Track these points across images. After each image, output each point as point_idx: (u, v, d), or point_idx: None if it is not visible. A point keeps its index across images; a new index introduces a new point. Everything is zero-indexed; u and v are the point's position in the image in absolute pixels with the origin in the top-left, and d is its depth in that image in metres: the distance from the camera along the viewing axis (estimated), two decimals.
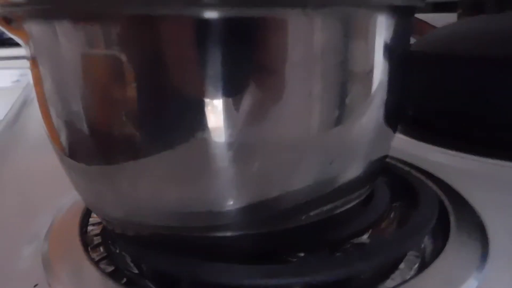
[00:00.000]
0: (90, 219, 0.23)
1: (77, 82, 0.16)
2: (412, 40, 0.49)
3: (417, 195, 0.21)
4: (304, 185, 0.17)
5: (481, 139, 0.30)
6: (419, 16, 0.55)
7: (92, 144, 0.17)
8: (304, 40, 0.15)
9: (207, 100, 0.14)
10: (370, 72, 0.16)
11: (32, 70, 0.17)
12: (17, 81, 1.68)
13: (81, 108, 0.16)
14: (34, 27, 0.16)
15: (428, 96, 0.34)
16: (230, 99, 0.14)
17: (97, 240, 0.21)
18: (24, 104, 0.60)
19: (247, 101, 0.15)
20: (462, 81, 0.31)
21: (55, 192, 0.26)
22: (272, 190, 0.17)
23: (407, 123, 0.35)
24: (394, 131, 0.21)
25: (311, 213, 0.18)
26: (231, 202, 0.17)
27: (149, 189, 0.17)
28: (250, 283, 0.16)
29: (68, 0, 0.14)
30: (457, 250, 0.19)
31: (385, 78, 0.16)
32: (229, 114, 0.15)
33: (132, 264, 0.20)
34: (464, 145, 0.30)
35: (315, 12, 0.14)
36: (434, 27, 0.53)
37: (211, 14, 0.13)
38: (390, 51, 0.16)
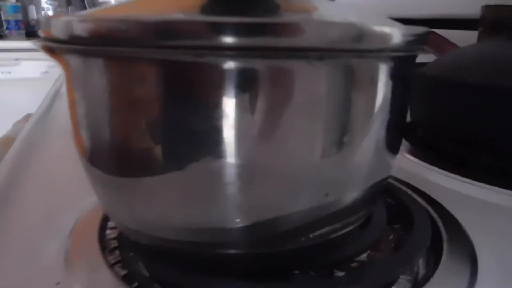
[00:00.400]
0: (109, 223, 0.25)
1: (104, 108, 0.18)
2: (431, 57, 0.50)
3: (413, 220, 0.23)
4: (304, 209, 0.18)
5: (484, 165, 0.31)
6: (439, 32, 0.55)
7: (112, 158, 0.19)
8: (309, 85, 0.16)
9: (218, 132, 0.16)
10: (370, 114, 0.17)
11: (67, 92, 0.19)
12: (46, 72, 1.73)
13: (106, 128, 0.18)
14: (71, 59, 0.18)
15: (436, 119, 0.35)
16: (238, 132, 0.16)
17: (113, 243, 0.23)
18: (55, 97, 0.63)
19: (253, 135, 0.16)
20: (470, 108, 0.32)
21: (81, 189, 0.28)
22: (273, 213, 0.18)
23: (414, 143, 0.36)
24: (395, 154, 0.22)
25: (311, 235, 0.19)
26: (235, 222, 0.18)
27: (158, 205, 0.19)
28: None
29: (102, 43, 0.16)
30: (447, 276, 0.20)
31: (385, 118, 0.18)
32: (237, 144, 0.16)
33: (145, 269, 0.21)
34: (467, 170, 0.31)
35: (318, 63, 0.15)
36: (454, 44, 0.54)
37: (229, 64, 0.15)
38: (390, 94, 0.17)
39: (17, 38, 1.68)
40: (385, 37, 0.15)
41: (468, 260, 0.21)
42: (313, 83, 0.16)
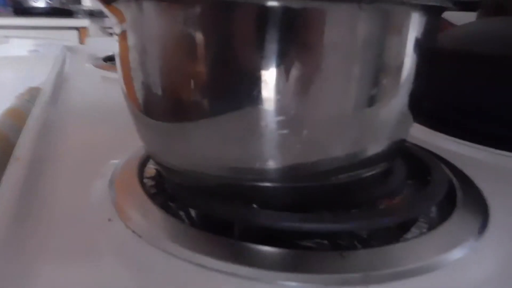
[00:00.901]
0: (147, 167, 0.27)
1: (157, 53, 0.19)
2: None
3: (430, 171, 0.25)
4: (337, 155, 0.20)
5: (490, 132, 0.33)
6: None
7: (166, 104, 0.21)
8: (351, 30, 0.18)
9: (263, 74, 0.18)
10: (402, 62, 0.19)
11: (120, 42, 0.20)
12: (35, 50, 1.69)
13: (159, 74, 0.20)
14: (126, 7, 0.19)
15: (444, 90, 0.37)
16: (281, 76, 0.18)
17: (152, 183, 0.25)
18: (60, 75, 0.63)
19: (295, 78, 0.18)
20: (476, 78, 0.34)
21: (117, 142, 0.30)
22: (310, 155, 0.20)
23: (423, 114, 0.38)
24: (414, 118, 0.24)
25: (340, 176, 0.21)
26: (275, 161, 0.20)
27: (209, 146, 0.21)
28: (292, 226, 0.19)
29: None
30: (461, 217, 0.22)
31: (413, 70, 0.20)
32: (280, 87, 0.18)
33: (182, 215, 0.23)
34: (474, 136, 0.33)
35: (368, 7, 0.17)
36: (453, 24, 0.56)
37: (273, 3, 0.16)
38: (420, 45, 0.19)
39: (5, 15, 1.65)
40: None
41: (480, 207, 0.23)
42: (359, 27, 0.17)
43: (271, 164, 0.20)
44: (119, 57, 0.22)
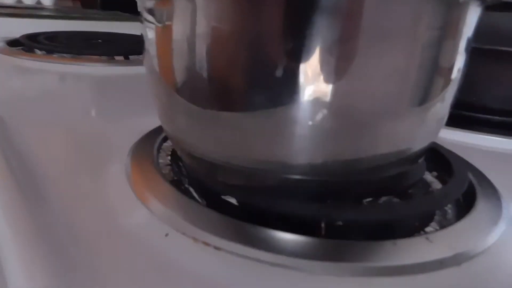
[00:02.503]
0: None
1: (201, 44, 0.19)
2: None
3: (451, 166, 0.25)
4: (380, 152, 0.20)
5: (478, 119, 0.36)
6: None
7: (210, 91, 0.20)
8: (411, 22, 0.18)
9: (302, 69, 0.17)
10: (454, 61, 0.19)
11: (159, 33, 0.19)
12: None
13: (203, 63, 0.19)
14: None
15: None
16: (324, 70, 0.17)
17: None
18: None
19: (335, 71, 0.18)
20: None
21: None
22: (350, 152, 0.20)
23: None
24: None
25: (379, 173, 0.21)
26: (312, 157, 0.20)
27: (245, 138, 0.20)
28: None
29: None
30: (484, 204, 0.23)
31: (461, 69, 0.20)
32: (320, 82, 0.18)
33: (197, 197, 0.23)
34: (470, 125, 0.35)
35: None
36: None
37: None
38: (468, 44, 0.19)
39: None
40: None
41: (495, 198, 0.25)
42: (418, 18, 0.17)
43: (306, 158, 0.20)
44: (155, 42, 0.21)
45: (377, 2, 0.17)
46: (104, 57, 0.60)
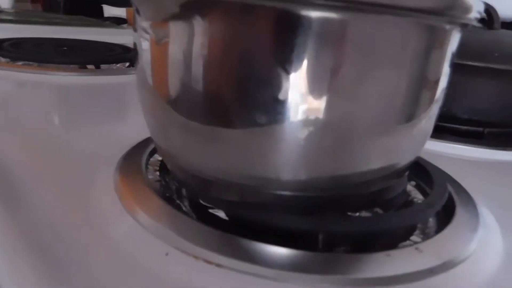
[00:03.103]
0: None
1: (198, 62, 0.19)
2: None
3: (430, 175, 0.27)
4: (367, 168, 0.21)
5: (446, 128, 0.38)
6: None
7: (205, 110, 0.20)
8: (397, 43, 0.19)
9: (292, 85, 0.18)
10: (439, 77, 0.20)
11: (155, 47, 0.20)
12: None
13: (199, 80, 0.20)
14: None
15: None
16: (313, 88, 0.18)
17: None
18: None
19: (327, 89, 0.18)
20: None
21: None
22: (334, 171, 0.21)
23: None
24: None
25: (365, 188, 0.22)
26: (301, 172, 0.20)
27: (239, 154, 0.20)
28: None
29: None
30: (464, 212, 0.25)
31: (445, 85, 0.21)
32: (311, 101, 0.18)
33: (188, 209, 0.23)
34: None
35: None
36: None
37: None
38: (451, 61, 0.21)
39: None
40: (469, 8, 0.19)
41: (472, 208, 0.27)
42: (404, 40, 0.18)
43: (298, 175, 0.20)
44: (150, 56, 0.21)
45: (367, 24, 0.18)
46: (74, 66, 0.58)
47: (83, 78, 0.55)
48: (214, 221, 0.22)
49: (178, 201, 0.24)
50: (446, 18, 0.18)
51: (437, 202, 0.23)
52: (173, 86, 0.21)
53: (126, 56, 0.65)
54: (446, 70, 0.21)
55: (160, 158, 0.30)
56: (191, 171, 0.23)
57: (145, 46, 0.22)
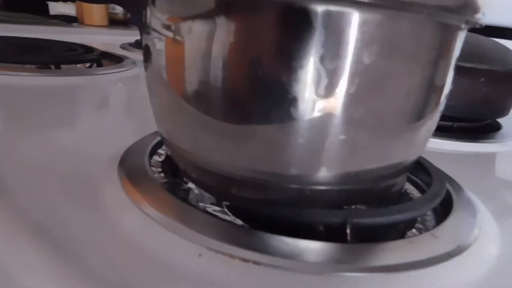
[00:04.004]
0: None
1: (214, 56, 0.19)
2: None
3: (430, 174, 0.28)
4: (379, 165, 0.22)
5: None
6: None
7: (228, 107, 0.20)
8: (413, 41, 0.20)
9: (309, 81, 0.18)
10: (446, 77, 0.22)
11: (169, 45, 0.20)
12: None
13: (218, 77, 0.19)
14: None
15: None
16: (330, 86, 0.18)
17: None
18: None
19: (343, 88, 0.18)
20: None
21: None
22: (351, 167, 0.21)
23: None
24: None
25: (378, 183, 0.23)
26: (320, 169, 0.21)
27: (264, 150, 0.21)
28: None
29: None
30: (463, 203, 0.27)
31: (450, 84, 0.23)
32: (330, 100, 0.19)
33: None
34: None
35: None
36: None
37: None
38: (456, 62, 0.22)
39: None
40: (478, 8, 0.20)
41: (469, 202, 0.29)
42: (416, 38, 0.19)
43: (317, 170, 0.21)
44: (165, 53, 0.20)
45: (384, 21, 0.18)
46: (30, 66, 0.54)
47: (43, 79, 0.52)
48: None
49: (193, 202, 0.24)
50: (460, 16, 0.20)
51: (441, 191, 0.25)
52: (194, 84, 0.20)
53: (89, 56, 0.62)
54: (452, 69, 0.22)
55: (160, 159, 0.29)
56: (210, 170, 0.22)
57: (159, 43, 0.21)
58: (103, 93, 0.52)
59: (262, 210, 0.21)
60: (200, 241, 0.19)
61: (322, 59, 0.18)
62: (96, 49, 0.67)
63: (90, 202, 0.23)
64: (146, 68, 0.24)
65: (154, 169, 0.27)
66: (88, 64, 0.63)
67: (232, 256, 0.19)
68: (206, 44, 0.19)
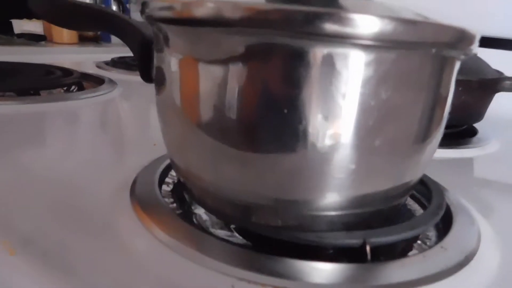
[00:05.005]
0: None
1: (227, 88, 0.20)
2: None
3: (430, 190, 0.30)
4: (387, 187, 0.23)
5: None
6: None
7: (247, 136, 0.21)
8: (417, 73, 0.21)
9: (320, 115, 0.19)
10: (446, 102, 0.23)
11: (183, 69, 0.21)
12: None
13: (235, 106, 0.20)
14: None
15: None
16: (341, 119, 0.19)
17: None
18: None
19: (353, 120, 0.19)
20: None
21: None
22: (359, 191, 0.22)
23: None
24: None
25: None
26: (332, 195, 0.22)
27: (277, 180, 0.21)
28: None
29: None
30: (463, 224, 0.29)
31: (449, 108, 0.24)
32: (340, 129, 0.20)
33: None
34: None
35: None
36: None
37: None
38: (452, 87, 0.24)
39: None
40: (472, 40, 0.22)
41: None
42: (421, 71, 0.20)
43: (332, 196, 0.22)
44: (179, 78, 0.21)
45: (388, 58, 0.20)
46: (11, 94, 0.53)
47: (25, 107, 0.49)
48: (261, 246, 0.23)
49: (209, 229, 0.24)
50: (458, 51, 0.21)
51: (443, 203, 0.27)
52: (210, 114, 0.21)
53: (69, 79, 0.60)
54: (452, 91, 0.24)
55: (169, 189, 0.29)
56: (228, 198, 0.23)
57: (175, 70, 0.22)
58: (90, 119, 0.51)
59: (283, 236, 0.22)
60: (230, 272, 0.20)
61: (332, 95, 0.19)
62: (75, 71, 0.65)
63: (105, 232, 0.23)
64: (158, 94, 0.24)
65: (166, 199, 0.27)
66: (65, 88, 0.62)
67: (264, 285, 0.19)
68: (221, 82, 0.20)
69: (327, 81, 0.18)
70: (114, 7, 1.22)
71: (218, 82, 0.20)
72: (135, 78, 0.81)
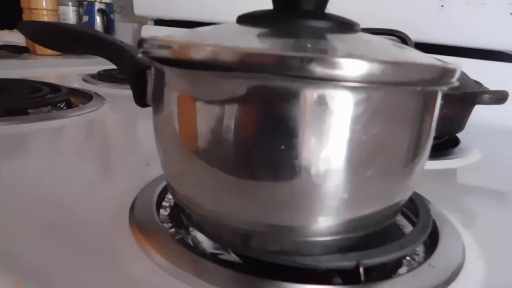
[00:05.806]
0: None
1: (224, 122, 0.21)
2: None
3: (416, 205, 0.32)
4: (377, 209, 0.24)
5: None
6: None
7: (246, 164, 0.22)
8: (403, 106, 0.22)
9: (313, 148, 0.20)
10: (431, 130, 0.25)
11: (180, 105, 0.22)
12: None
13: (232, 135, 0.21)
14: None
15: None
16: (334, 152, 0.20)
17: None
18: None
19: (345, 152, 0.21)
20: None
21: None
22: (351, 217, 0.23)
23: None
24: None
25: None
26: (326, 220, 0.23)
27: (265, 208, 0.22)
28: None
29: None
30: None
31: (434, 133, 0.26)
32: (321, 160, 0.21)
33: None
34: None
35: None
36: None
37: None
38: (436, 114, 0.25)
39: None
40: (453, 74, 0.23)
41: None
42: (407, 105, 0.22)
43: (328, 221, 0.23)
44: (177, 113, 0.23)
45: (376, 95, 0.20)
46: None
47: (14, 128, 0.49)
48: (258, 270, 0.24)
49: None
50: (440, 86, 0.23)
51: (429, 220, 0.28)
52: (208, 144, 0.22)
53: (58, 97, 0.60)
54: (437, 116, 0.25)
55: (166, 213, 0.30)
56: (226, 225, 0.24)
57: (173, 105, 0.23)
58: (80, 138, 0.51)
59: (281, 261, 0.23)
60: None
61: (326, 132, 0.20)
62: (63, 86, 0.65)
63: (106, 258, 0.24)
64: (156, 123, 0.25)
65: (165, 225, 0.28)
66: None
67: None
68: (219, 120, 0.21)
69: (321, 119, 0.19)
70: (98, 18, 1.21)
71: (216, 120, 0.21)
72: (123, 91, 0.83)
